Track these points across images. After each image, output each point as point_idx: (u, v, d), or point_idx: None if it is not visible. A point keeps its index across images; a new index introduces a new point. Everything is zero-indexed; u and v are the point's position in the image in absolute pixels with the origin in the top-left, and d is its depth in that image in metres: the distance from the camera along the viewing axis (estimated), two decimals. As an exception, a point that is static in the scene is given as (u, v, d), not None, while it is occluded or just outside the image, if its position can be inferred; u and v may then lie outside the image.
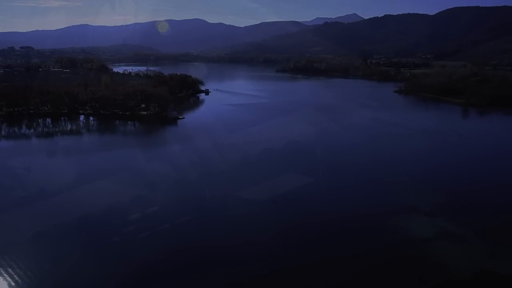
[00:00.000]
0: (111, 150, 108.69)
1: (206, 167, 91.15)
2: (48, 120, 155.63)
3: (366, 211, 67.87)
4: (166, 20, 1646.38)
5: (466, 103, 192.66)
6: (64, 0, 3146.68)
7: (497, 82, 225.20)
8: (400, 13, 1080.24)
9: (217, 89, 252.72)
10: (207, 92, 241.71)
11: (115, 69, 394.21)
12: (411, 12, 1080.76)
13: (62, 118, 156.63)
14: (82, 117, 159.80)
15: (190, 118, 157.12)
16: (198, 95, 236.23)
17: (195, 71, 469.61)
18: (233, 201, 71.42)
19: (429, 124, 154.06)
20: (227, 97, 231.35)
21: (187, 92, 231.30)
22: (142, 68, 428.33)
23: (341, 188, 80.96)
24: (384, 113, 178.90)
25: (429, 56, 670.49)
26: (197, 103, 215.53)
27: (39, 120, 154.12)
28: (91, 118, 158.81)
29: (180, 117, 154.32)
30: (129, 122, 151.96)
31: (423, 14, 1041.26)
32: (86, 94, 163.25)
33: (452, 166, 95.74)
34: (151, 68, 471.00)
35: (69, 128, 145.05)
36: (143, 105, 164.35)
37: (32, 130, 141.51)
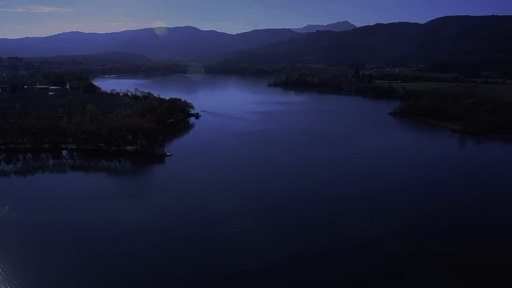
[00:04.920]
0: (87, 204, 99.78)
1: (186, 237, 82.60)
2: (29, 155, 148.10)
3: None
4: (157, 28, 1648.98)
5: (464, 130, 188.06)
6: (55, 6, 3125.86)
7: (492, 105, 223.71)
8: (391, 22, 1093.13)
9: (203, 111, 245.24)
10: (197, 116, 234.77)
11: (104, 85, 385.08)
12: (402, 21, 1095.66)
13: (44, 154, 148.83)
14: (65, 153, 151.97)
15: (178, 153, 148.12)
16: (188, 119, 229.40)
17: (185, 86, 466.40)
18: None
19: (431, 159, 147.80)
20: (218, 121, 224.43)
21: (177, 117, 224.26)
22: (132, 82, 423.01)
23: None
24: (381, 144, 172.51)
25: (420, 66, 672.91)
26: (187, 129, 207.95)
27: (19, 156, 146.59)
28: (74, 153, 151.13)
29: (168, 154, 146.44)
30: (114, 159, 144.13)
31: (414, 23, 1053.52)
32: (70, 128, 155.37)
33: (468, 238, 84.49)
34: (140, 82, 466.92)
35: (50, 167, 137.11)
36: (129, 137, 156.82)
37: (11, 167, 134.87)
